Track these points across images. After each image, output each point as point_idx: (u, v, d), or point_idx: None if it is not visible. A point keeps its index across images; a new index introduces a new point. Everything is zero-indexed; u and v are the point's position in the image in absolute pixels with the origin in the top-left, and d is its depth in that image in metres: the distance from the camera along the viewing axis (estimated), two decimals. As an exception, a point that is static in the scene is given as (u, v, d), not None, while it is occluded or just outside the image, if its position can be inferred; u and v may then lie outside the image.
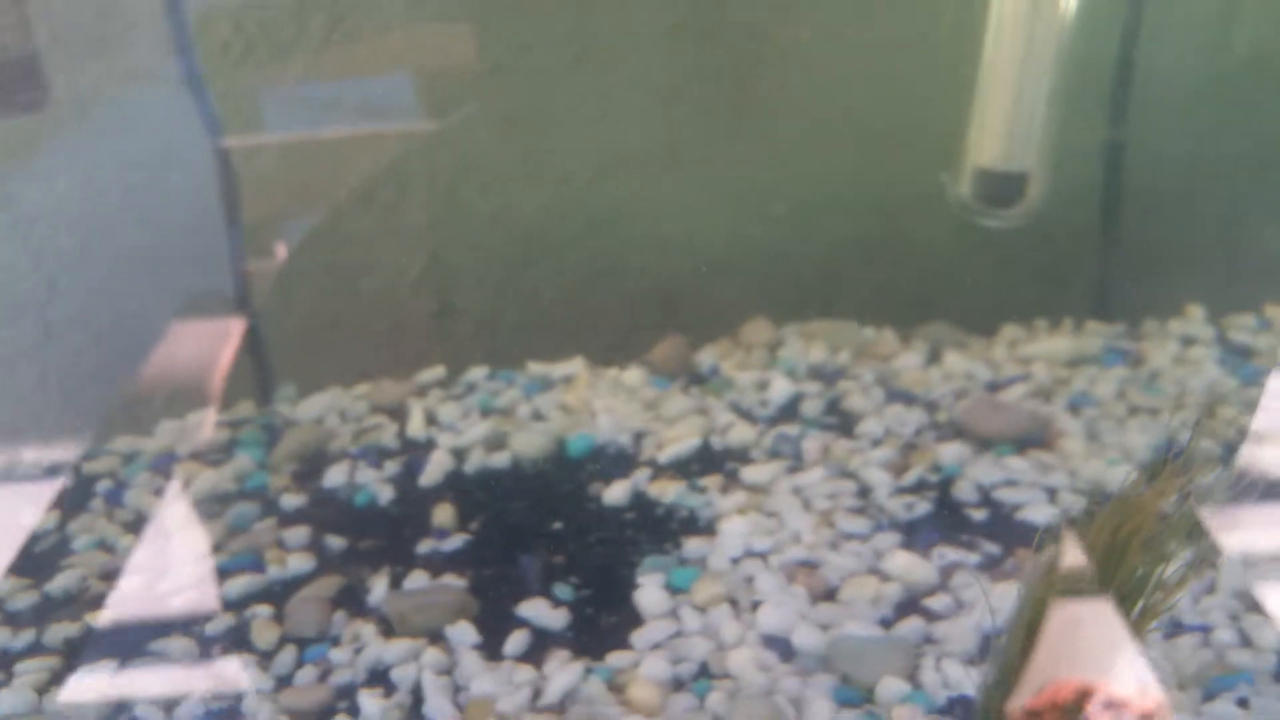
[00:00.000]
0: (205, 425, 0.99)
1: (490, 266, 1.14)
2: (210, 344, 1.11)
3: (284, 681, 0.69)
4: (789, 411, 0.93)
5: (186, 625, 0.74)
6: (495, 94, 1.09)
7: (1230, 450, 0.85)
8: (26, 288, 1.06)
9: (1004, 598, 0.63)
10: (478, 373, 1.03)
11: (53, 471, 0.94)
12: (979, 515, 0.79)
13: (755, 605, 0.71)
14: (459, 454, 0.91)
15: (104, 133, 1.08)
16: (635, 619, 0.71)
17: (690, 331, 1.09)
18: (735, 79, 1.08)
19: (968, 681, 0.63)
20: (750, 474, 0.83)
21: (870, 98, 1.07)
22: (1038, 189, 0.94)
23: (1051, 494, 0.80)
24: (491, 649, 0.70)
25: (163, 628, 0.73)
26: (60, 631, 0.74)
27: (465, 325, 1.16)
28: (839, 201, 1.09)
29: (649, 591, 0.72)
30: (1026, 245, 1.06)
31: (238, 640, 0.72)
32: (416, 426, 0.95)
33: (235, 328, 1.10)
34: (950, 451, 0.85)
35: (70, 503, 0.89)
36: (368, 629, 0.72)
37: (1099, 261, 1.07)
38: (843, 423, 0.91)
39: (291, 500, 0.86)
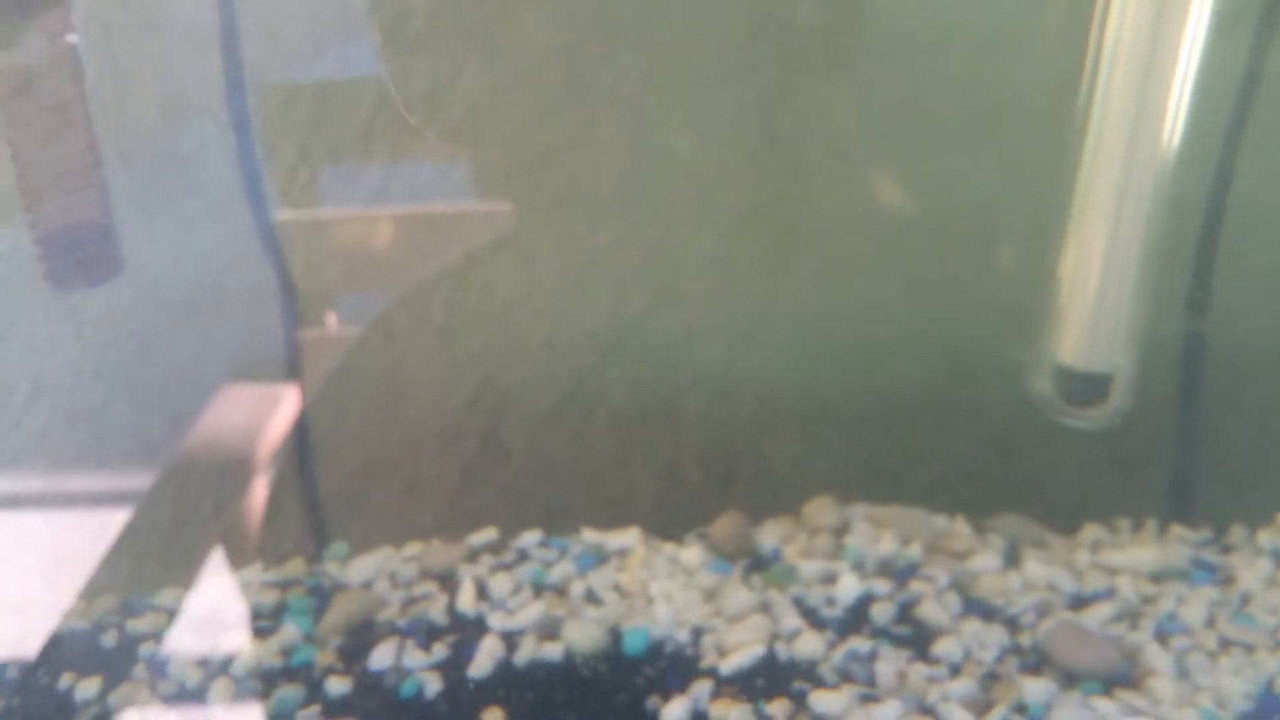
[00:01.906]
0: (252, 583, 0.96)
1: (542, 395, 1.11)
2: (261, 484, 1.08)
3: None
4: (858, 614, 0.88)
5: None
6: (555, 222, 1.07)
7: (1335, 706, 0.80)
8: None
9: None
10: (530, 538, 1.00)
11: (98, 626, 0.91)
12: (1063, 775, 0.74)
13: None
14: (510, 640, 0.87)
15: (165, 242, 1.07)
16: None
17: (749, 496, 1.06)
18: (800, 214, 1.06)
19: None
20: (820, 702, 0.78)
21: (951, 244, 1.04)
22: (1123, 389, 0.90)
23: (1143, 750, 0.75)
24: None
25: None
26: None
27: (515, 467, 1.13)
28: (905, 351, 1.05)
29: None
30: (1115, 437, 1.02)
31: None
32: (467, 601, 0.91)
33: (290, 468, 1.07)
34: (1035, 689, 0.79)
35: (113, 667, 0.86)
36: None
37: (1180, 457, 1.02)
38: (917, 636, 0.86)
39: (337, 686, 0.82)
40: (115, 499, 1.07)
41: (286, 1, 1.01)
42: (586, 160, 1.06)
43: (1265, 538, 0.94)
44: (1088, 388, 0.90)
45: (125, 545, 1.00)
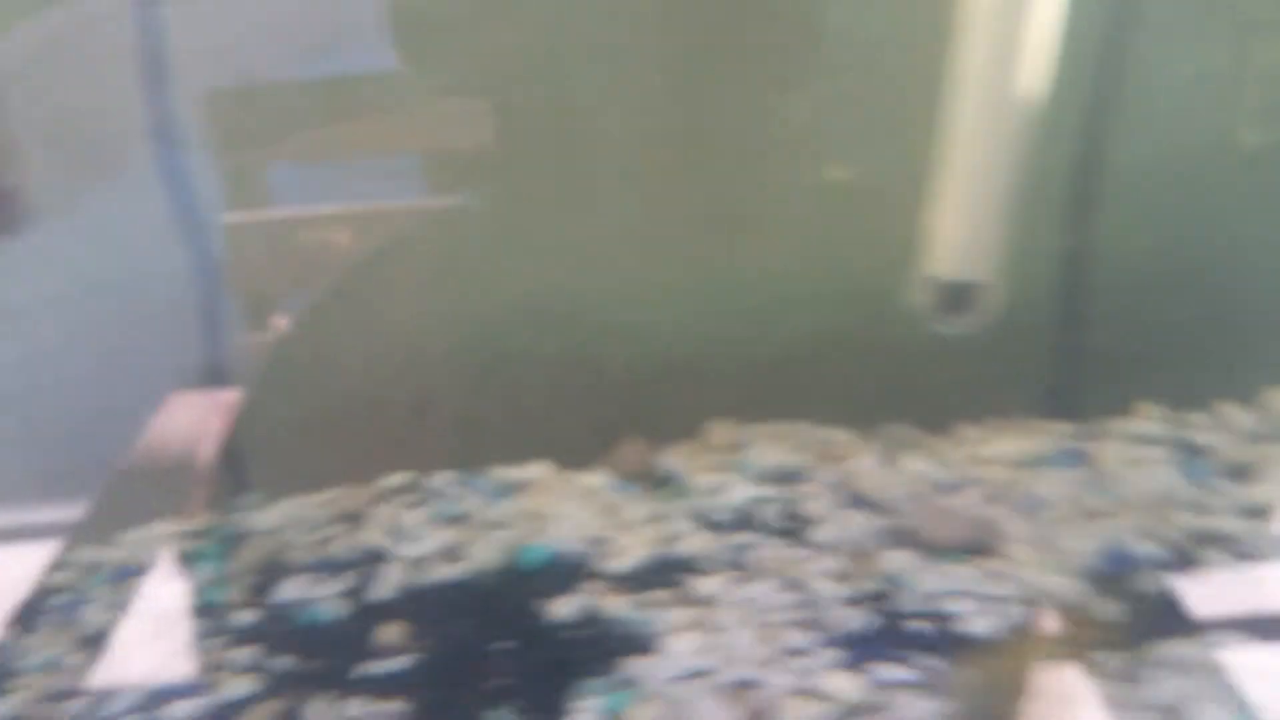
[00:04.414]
0: (171, 535, 1.00)
1: (469, 363, 1.17)
2: (188, 448, 1.13)
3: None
4: (746, 516, 0.94)
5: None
6: (479, 183, 1.12)
7: (1179, 555, 0.85)
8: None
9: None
10: (443, 478, 1.05)
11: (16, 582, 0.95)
12: (921, 627, 0.79)
13: (693, 727, 0.71)
14: (415, 566, 0.92)
15: (88, 228, 1.12)
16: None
17: (657, 431, 1.11)
18: (713, 174, 1.12)
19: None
20: (700, 586, 0.84)
21: (843, 193, 1.10)
22: (991, 298, 0.96)
23: (994, 603, 0.80)
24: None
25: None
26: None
27: (436, 426, 1.18)
28: (812, 297, 1.11)
29: (584, 719, 0.72)
30: (989, 344, 1.08)
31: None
32: (375, 536, 0.96)
33: (214, 432, 1.12)
34: (899, 560, 0.85)
35: (26, 618, 0.90)
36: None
37: (1059, 361, 1.08)
38: (796, 528, 0.91)
39: (244, 617, 0.87)
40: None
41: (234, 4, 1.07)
42: (508, 127, 1.13)
43: (1130, 425, 1.00)
44: (957, 297, 0.97)
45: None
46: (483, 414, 1.17)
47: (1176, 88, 1.00)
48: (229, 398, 1.14)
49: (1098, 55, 0.99)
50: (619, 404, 1.16)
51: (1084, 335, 1.05)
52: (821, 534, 0.90)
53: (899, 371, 1.09)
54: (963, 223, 0.92)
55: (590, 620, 0.83)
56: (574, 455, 1.08)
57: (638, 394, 1.16)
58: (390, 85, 1.12)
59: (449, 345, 1.17)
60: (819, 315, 1.11)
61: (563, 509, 0.97)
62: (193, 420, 1.13)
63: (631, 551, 0.89)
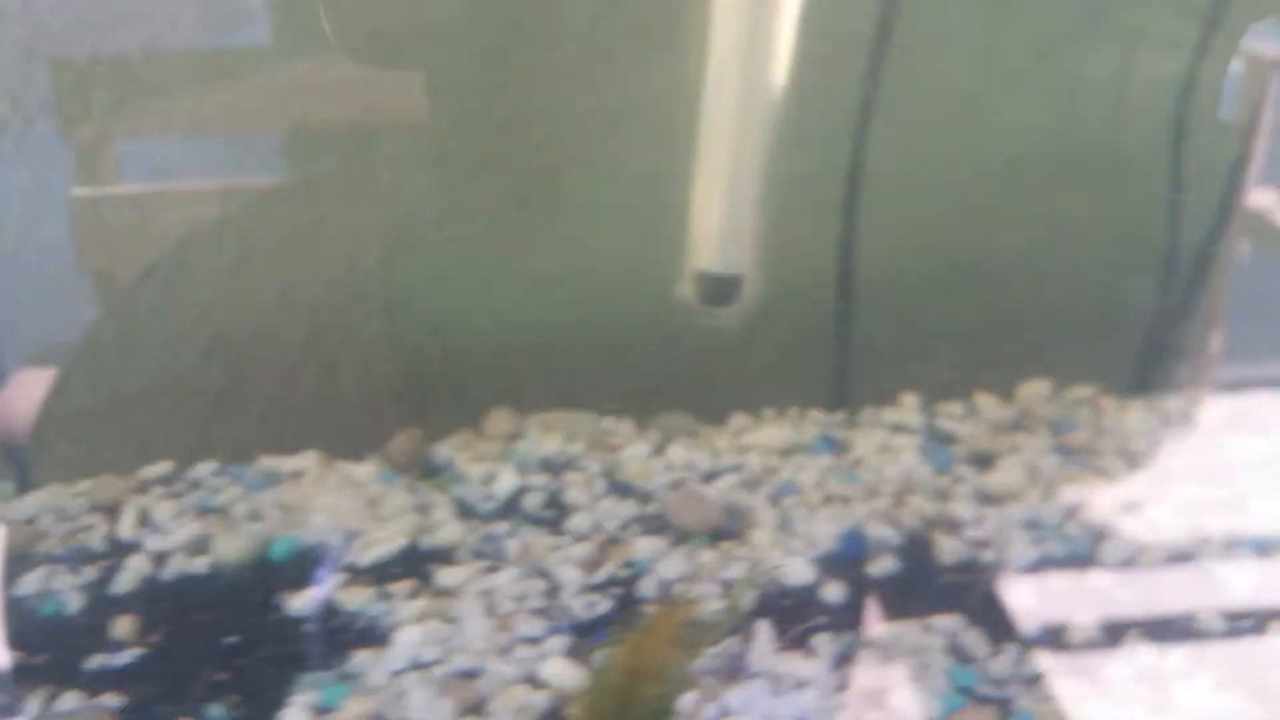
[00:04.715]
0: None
1: (279, 348, 1.14)
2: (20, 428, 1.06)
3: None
4: (511, 507, 0.94)
5: None
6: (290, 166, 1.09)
7: (911, 540, 0.89)
8: None
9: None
10: (205, 468, 1.02)
11: None
12: (653, 612, 0.80)
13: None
14: (160, 559, 0.89)
15: None
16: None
17: (440, 420, 1.10)
18: (529, 164, 1.11)
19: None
20: (444, 577, 0.83)
21: (658, 186, 1.11)
22: (752, 289, 0.99)
23: (727, 586, 0.82)
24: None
25: None
26: None
27: (227, 412, 1.14)
28: (617, 289, 1.12)
29: (294, 712, 0.71)
30: (768, 335, 1.11)
31: None
32: (127, 528, 0.93)
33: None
34: (646, 545, 0.87)
35: None
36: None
37: (831, 352, 1.12)
38: (557, 518, 0.92)
39: (-25, 611, 0.83)
40: None
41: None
42: (318, 111, 1.10)
43: (888, 414, 1.05)
44: (721, 289, 0.99)
45: None
46: (282, 401, 1.14)
47: (936, 96, 1.05)
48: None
49: (864, 63, 1.02)
50: (414, 392, 1.15)
51: (854, 328, 1.09)
52: (577, 522, 0.90)
53: (684, 361, 1.11)
54: (720, 216, 0.94)
55: (329, 613, 0.81)
56: (354, 444, 1.07)
57: (434, 382, 1.15)
58: (268, 57, 1.09)
59: (260, 329, 1.14)
60: (615, 305, 1.12)
61: (324, 500, 0.95)
62: (30, 399, 1.08)
63: (383, 543, 0.88)
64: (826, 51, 1.05)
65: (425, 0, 1.05)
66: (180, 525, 0.92)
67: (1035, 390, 1.05)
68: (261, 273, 1.12)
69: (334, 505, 0.94)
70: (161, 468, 1.01)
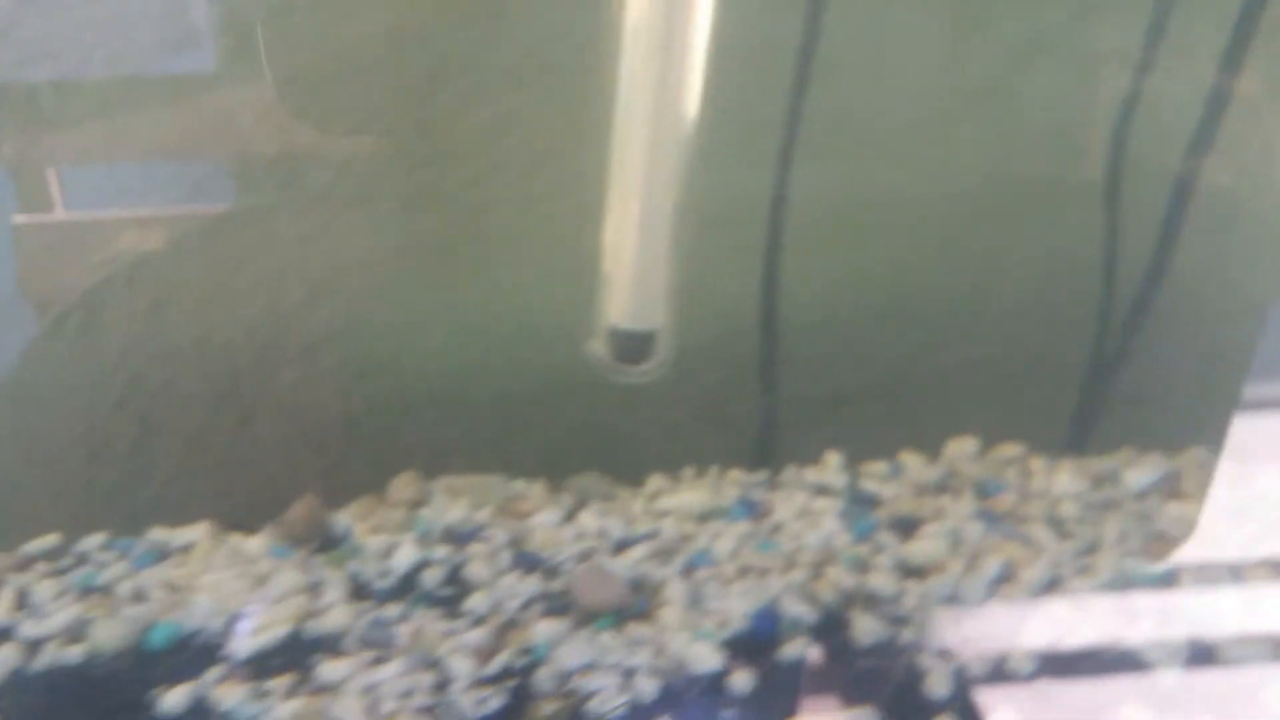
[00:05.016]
0: None
1: (194, 398, 1.08)
2: None
3: None
4: (408, 582, 0.89)
5: None
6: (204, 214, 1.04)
7: (827, 618, 0.85)
8: None
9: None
10: (94, 540, 0.96)
11: None
12: (548, 710, 0.76)
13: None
14: (33, 647, 0.83)
15: None
16: None
17: (345, 480, 1.05)
18: (460, 208, 1.06)
19: None
20: (327, 670, 0.78)
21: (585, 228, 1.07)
22: (667, 345, 0.94)
23: (629, 676, 0.78)
24: None
25: None
26: None
27: (129, 473, 1.09)
28: (542, 336, 1.07)
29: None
30: (690, 388, 1.07)
31: None
32: (3, 611, 0.87)
33: None
34: (546, 629, 0.82)
35: None
36: None
37: (756, 406, 1.07)
38: (455, 596, 0.87)
39: None
40: None
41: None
42: (235, 148, 1.05)
43: (811, 474, 1.00)
44: (635, 346, 0.94)
45: None
46: (189, 460, 1.09)
47: (856, 137, 1.01)
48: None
49: (786, 97, 0.99)
50: (323, 449, 1.10)
51: (778, 380, 1.05)
52: (476, 602, 0.85)
53: (606, 414, 1.07)
54: (631, 268, 0.89)
55: (199, 713, 0.76)
56: (254, 509, 1.02)
57: (346, 436, 1.11)
58: (216, 84, 1.04)
59: (175, 377, 1.09)
60: (539, 353, 1.08)
61: (210, 579, 0.90)
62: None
63: (268, 630, 0.83)
64: (745, 85, 1.02)
65: (351, 38, 1.01)
66: (60, 607, 0.87)
67: (962, 448, 1.01)
68: (177, 317, 1.08)
69: (220, 584, 0.89)
70: (48, 540, 0.97)
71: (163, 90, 1.06)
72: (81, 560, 0.94)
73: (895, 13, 1.01)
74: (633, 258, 0.90)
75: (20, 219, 1.05)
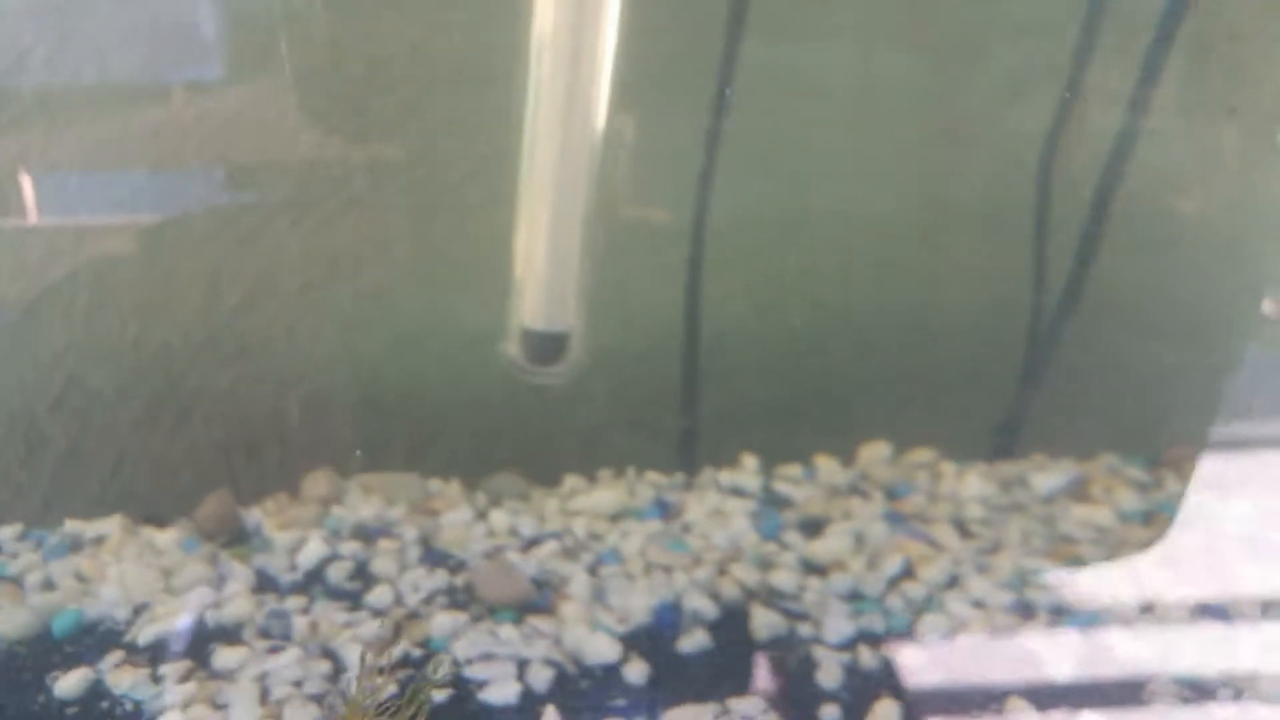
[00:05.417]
0: None
1: (132, 398, 1.09)
2: None
3: None
4: (313, 578, 0.89)
5: None
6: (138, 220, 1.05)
7: (727, 612, 0.85)
8: None
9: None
10: (8, 531, 0.96)
11: None
12: (439, 697, 0.76)
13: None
14: (-67, 635, 0.83)
15: None
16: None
17: (261, 480, 1.06)
18: (387, 203, 1.07)
19: None
20: (222, 658, 0.78)
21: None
22: (580, 347, 0.95)
23: (524, 668, 0.78)
24: None
25: None
26: None
27: (57, 470, 1.09)
28: (472, 339, 1.08)
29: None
30: (615, 393, 1.08)
31: None
32: (-94, 600, 0.87)
33: None
34: (445, 622, 0.82)
35: None
36: None
37: (677, 411, 1.08)
38: (359, 590, 0.87)
39: None
40: None
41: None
42: (170, 155, 1.06)
43: (725, 475, 1.01)
44: (547, 347, 0.95)
45: None
46: (113, 456, 1.10)
47: (779, 153, 1.03)
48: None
49: (710, 107, 1.00)
50: (248, 448, 1.11)
51: (701, 387, 1.06)
52: (379, 596, 0.85)
53: (528, 417, 1.08)
54: (543, 269, 0.91)
55: (95, 696, 0.76)
56: (169, 506, 1.02)
57: (265, 439, 1.11)
58: (207, 93, 1.06)
59: (116, 378, 1.09)
60: (471, 357, 1.08)
61: (119, 569, 0.89)
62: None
63: (170, 618, 0.83)
64: (668, 100, 1.03)
65: (288, 45, 1.03)
66: (-37, 596, 0.88)
67: (876, 453, 1.03)
68: (115, 318, 1.09)
69: (127, 575, 0.89)
70: (-39, 532, 0.97)
71: (158, 96, 1.08)
72: (-5, 551, 0.95)
73: (828, 31, 1.04)
74: (543, 260, 0.91)
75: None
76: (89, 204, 1.14)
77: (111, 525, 0.95)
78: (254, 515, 0.96)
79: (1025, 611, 0.82)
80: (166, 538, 0.93)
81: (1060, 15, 1.04)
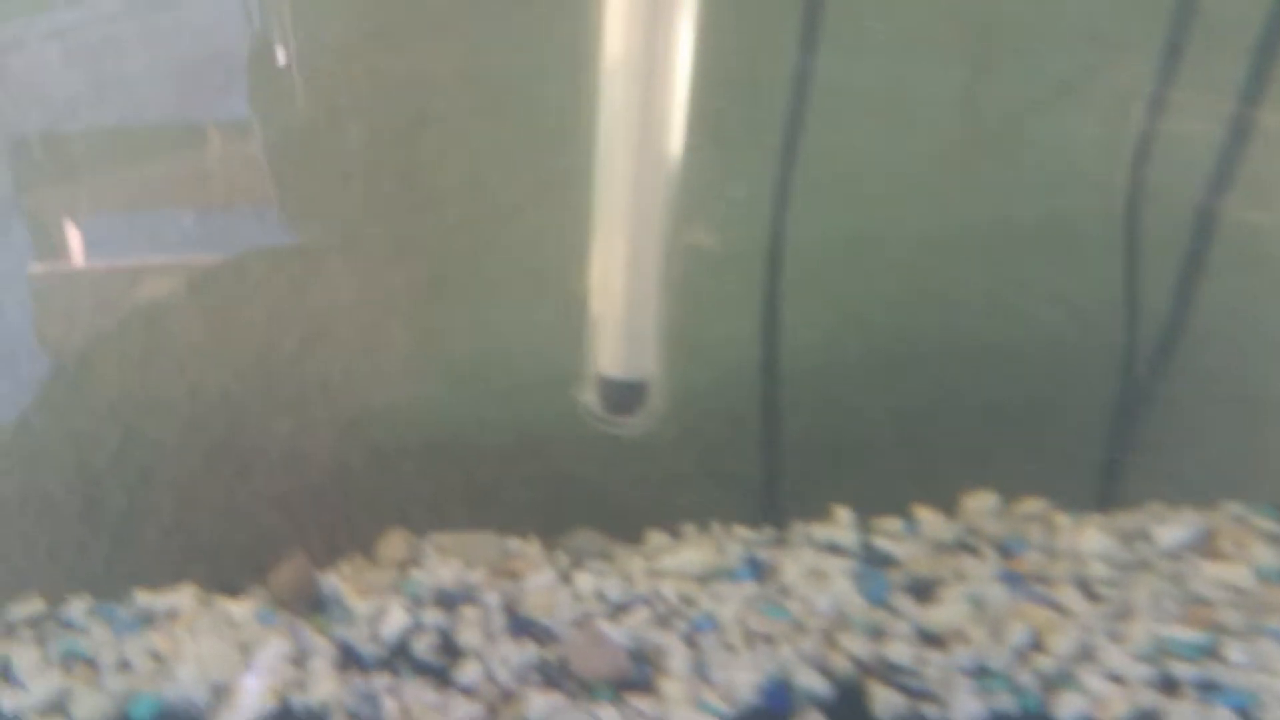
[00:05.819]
0: None
1: (191, 451, 1.06)
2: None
3: None
4: (397, 652, 0.85)
5: None
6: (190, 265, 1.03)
7: (844, 691, 0.79)
8: None
9: None
10: (79, 606, 0.93)
11: None
12: (541, 793, 0.71)
13: None
14: (9, 723, 0.80)
15: None
16: None
17: (335, 537, 1.02)
18: (450, 252, 1.04)
19: None
20: (310, 746, 0.75)
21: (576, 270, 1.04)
22: (659, 395, 0.90)
23: (627, 760, 0.73)
24: None
25: None
26: None
27: (124, 532, 1.06)
28: (534, 383, 1.04)
29: None
30: (690, 439, 1.02)
31: None
32: (-18, 681, 0.85)
33: None
34: (541, 704, 0.77)
35: None
36: None
37: (757, 458, 1.03)
38: (447, 665, 0.83)
39: None
40: None
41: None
42: (219, 199, 1.03)
43: (818, 530, 0.95)
44: (625, 396, 0.90)
45: None
46: (177, 518, 1.07)
47: (853, 174, 0.98)
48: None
49: (781, 132, 0.95)
50: (315, 502, 1.07)
51: (782, 430, 1.00)
52: (468, 672, 0.81)
53: (602, 466, 1.03)
54: (620, 314, 0.85)
55: (177, 797, 0.73)
56: (243, 566, 0.99)
57: (338, 489, 1.07)
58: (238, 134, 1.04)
59: (171, 430, 1.06)
60: (532, 401, 1.04)
61: (196, 646, 0.86)
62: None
63: (251, 703, 0.80)
64: (742, 122, 0.98)
65: (335, 84, 0.99)
66: (42, 678, 0.84)
67: (981, 504, 0.96)
68: (171, 365, 1.06)
69: (206, 652, 0.86)
70: (33, 606, 0.94)
71: (190, 138, 1.06)
72: (65, 626, 0.91)
73: (899, 49, 0.98)
74: (620, 300, 0.86)
75: (37, 268, 1.04)
76: (139, 247, 1.12)
77: (184, 596, 0.92)
78: (330, 580, 0.92)
79: (1169, 687, 0.76)
80: (242, 610, 0.90)
81: (1125, 26, 0.98)
